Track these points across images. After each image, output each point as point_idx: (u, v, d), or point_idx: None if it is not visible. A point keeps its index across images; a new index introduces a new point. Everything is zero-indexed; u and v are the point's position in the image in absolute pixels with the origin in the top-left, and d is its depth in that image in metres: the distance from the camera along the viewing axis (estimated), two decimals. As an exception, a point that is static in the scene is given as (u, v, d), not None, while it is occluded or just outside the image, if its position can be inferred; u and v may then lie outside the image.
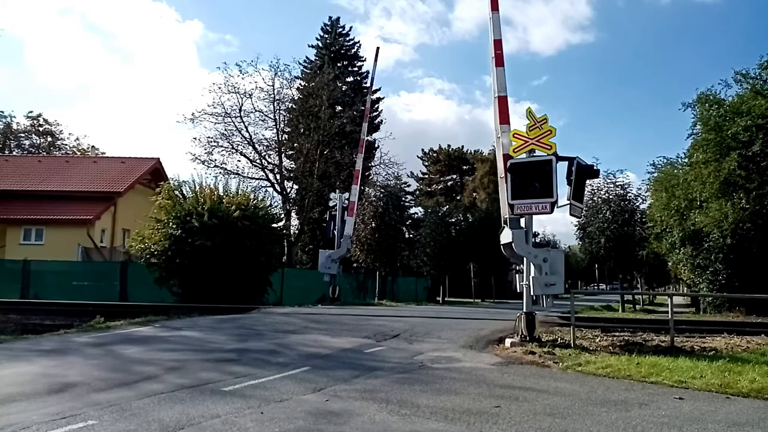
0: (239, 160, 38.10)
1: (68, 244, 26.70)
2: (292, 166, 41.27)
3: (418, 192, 63.80)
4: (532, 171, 10.26)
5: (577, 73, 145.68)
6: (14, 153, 47.41)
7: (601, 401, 6.18)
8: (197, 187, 20.47)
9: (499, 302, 34.64)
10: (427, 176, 69.40)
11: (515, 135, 10.73)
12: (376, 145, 44.99)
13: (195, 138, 38.92)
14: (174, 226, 18.72)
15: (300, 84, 42.45)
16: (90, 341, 10.14)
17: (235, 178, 34.88)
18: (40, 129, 53.33)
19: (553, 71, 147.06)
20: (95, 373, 7.24)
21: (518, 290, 11.06)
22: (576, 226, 34.53)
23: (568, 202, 10.28)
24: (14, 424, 4.85)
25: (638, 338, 11.60)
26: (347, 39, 51.66)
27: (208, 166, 36.76)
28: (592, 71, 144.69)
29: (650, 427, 5.13)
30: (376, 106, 48.75)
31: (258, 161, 38.56)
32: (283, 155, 40.28)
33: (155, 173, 33.23)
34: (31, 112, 54.88)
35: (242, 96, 37.00)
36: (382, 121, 48.96)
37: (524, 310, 10.54)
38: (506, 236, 10.85)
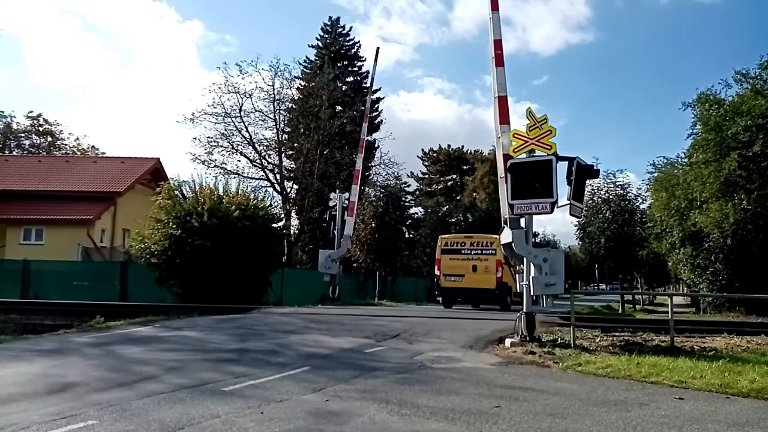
0: (239, 160, 38.09)
1: (68, 244, 26.70)
2: (292, 166, 41.24)
3: (418, 192, 63.72)
4: (532, 171, 10.24)
5: (577, 73, 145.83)
6: (14, 153, 47.39)
7: (601, 401, 6.18)
8: (197, 187, 20.44)
9: (499, 302, 34.52)
10: (427, 176, 69.36)
11: (515, 135, 10.72)
12: (376, 145, 44.96)
13: (195, 138, 38.90)
14: (174, 226, 18.71)
15: (300, 84, 42.43)
16: (90, 341, 10.14)
17: (235, 178, 34.78)
18: (40, 129, 53.34)
19: (553, 71, 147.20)
20: (95, 373, 7.24)
21: (518, 290, 11.06)
22: (576, 226, 34.58)
23: (568, 202, 10.27)
24: (14, 424, 4.85)
25: (638, 338, 11.59)
26: (347, 39, 51.64)
27: (208, 166, 36.76)
28: (592, 71, 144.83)
29: (650, 427, 5.13)
30: (376, 106, 48.68)
31: (258, 161, 38.56)
32: (283, 155, 40.25)
33: (155, 173, 33.21)
34: (31, 112, 54.84)
35: (242, 96, 36.98)
36: (382, 121, 48.95)
37: (524, 310, 10.55)
38: (506, 236, 10.85)
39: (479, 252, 20.96)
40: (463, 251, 21.24)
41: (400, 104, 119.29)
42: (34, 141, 53.40)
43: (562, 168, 10.18)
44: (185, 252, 18.40)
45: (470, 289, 20.02)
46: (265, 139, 38.70)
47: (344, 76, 48.16)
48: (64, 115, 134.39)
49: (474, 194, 61.30)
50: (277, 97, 38.10)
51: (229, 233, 18.54)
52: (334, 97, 40.21)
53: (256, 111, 37.72)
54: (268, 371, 7.35)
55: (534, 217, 10.58)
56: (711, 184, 20.31)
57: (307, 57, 50.03)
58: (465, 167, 67.64)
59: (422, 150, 70.69)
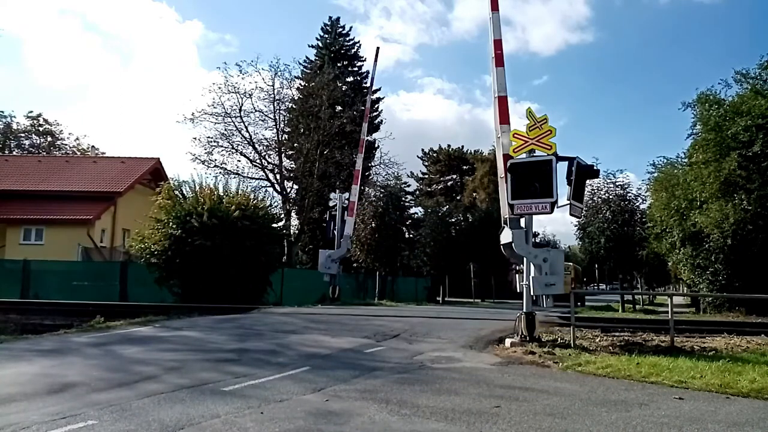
0: (239, 160, 38.18)
1: (68, 244, 26.69)
2: (292, 166, 41.28)
3: (418, 192, 63.77)
4: (532, 171, 10.25)
5: (576, 73, 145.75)
6: (14, 153, 47.39)
7: (601, 401, 6.18)
8: (197, 187, 20.45)
9: (499, 302, 34.63)
10: (427, 176, 69.41)
11: (515, 135, 10.73)
12: (376, 145, 44.99)
13: (195, 138, 38.98)
14: (174, 226, 18.71)
15: (300, 84, 42.46)
16: (90, 341, 10.14)
17: (235, 178, 34.88)
18: (40, 129, 53.34)
19: (553, 71, 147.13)
20: (95, 373, 7.24)
21: (518, 290, 11.07)
22: (576, 226, 34.55)
23: (568, 202, 10.28)
24: (14, 424, 4.85)
25: (638, 338, 11.60)
26: (347, 39, 51.68)
27: (208, 166, 36.82)
28: (592, 71, 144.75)
29: (650, 427, 5.13)
30: (376, 106, 48.71)
31: (258, 161, 38.61)
32: (283, 155, 40.28)
33: (155, 173, 33.23)
34: (31, 112, 54.87)
35: (242, 96, 37.07)
36: (382, 121, 48.99)
37: (524, 310, 10.55)
38: (506, 236, 10.85)
39: None
40: None
41: (400, 104, 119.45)
42: (34, 141, 53.40)
43: (562, 168, 10.20)
44: (185, 252, 18.40)
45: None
46: (265, 139, 38.83)
47: (344, 76, 48.17)
48: (64, 115, 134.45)
49: (474, 194, 61.35)
50: (277, 97, 38.22)
51: (229, 233, 18.54)
52: (334, 97, 40.22)
53: (256, 111, 37.85)
54: (268, 371, 7.36)
55: (534, 217, 10.58)
56: (711, 184, 20.30)
57: (307, 57, 50.17)
58: (465, 167, 67.70)
59: (422, 150, 70.88)
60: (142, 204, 23.71)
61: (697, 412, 5.73)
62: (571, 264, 34.22)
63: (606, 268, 36.91)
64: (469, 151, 69.11)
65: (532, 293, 10.35)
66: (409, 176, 62.22)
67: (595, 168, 10.91)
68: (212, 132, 37.54)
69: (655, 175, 25.44)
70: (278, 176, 39.20)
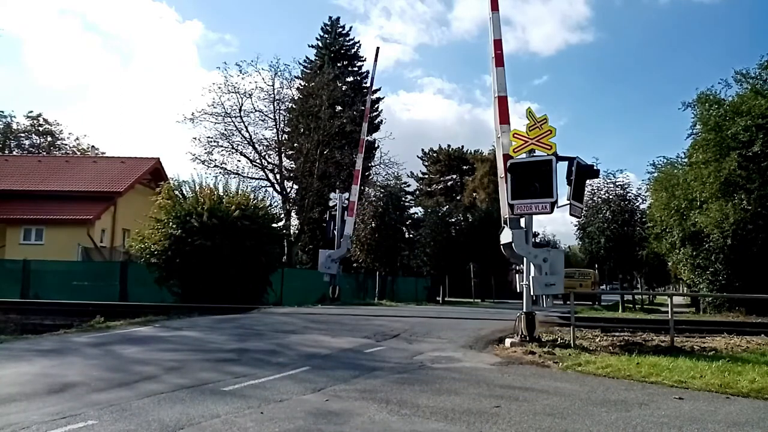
0: (239, 160, 38.17)
1: (68, 244, 26.70)
2: (292, 166, 41.28)
3: (418, 192, 63.78)
4: (532, 171, 10.25)
5: (576, 73, 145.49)
6: (14, 153, 47.39)
7: (601, 401, 6.18)
8: (197, 187, 20.45)
9: (499, 302, 34.63)
10: (427, 176, 69.40)
11: (515, 135, 10.73)
12: (376, 145, 44.97)
13: (195, 138, 38.93)
14: (174, 226, 18.71)
15: (300, 84, 42.45)
16: (90, 341, 10.14)
17: (235, 178, 34.90)
18: (40, 129, 53.35)
19: (553, 71, 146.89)
20: (95, 373, 7.24)
21: (518, 290, 11.07)
22: (576, 226, 34.51)
23: (568, 202, 10.28)
24: (14, 424, 4.85)
25: (638, 338, 11.61)
26: (347, 39, 51.67)
27: (208, 166, 36.82)
28: (592, 71, 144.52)
29: (650, 427, 5.13)
30: (376, 106, 48.69)
31: (258, 161, 38.61)
32: (283, 155, 40.29)
33: (155, 173, 33.22)
34: (31, 112, 54.87)
35: (242, 96, 37.06)
36: (382, 121, 48.97)
37: (524, 310, 10.55)
38: (506, 236, 10.85)
39: (582, 277, 34.72)
40: (574, 276, 33.29)
41: (400, 104, 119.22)
42: (34, 141, 53.41)
43: (562, 168, 10.21)
44: (185, 252, 18.39)
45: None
46: (265, 139, 38.83)
47: (344, 76, 48.15)
48: (64, 115, 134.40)
49: (474, 194, 61.34)
50: (277, 97, 38.22)
51: (228, 233, 18.54)
52: (334, 97, 40.22)
53: (256, 111, 37.85)
54: (268, 371, 7.36)
55: (534, 217, 10.59)
56: (711, 184, 20.29)
57: (307, 57, 50.16)
58: (465, 167, 67.69)
59: (422, 150, 70.84)
60: (142, 204, 23.70)
61: (697, 412, 5.73)
62: (591, 270, 35.17)
63: (606, 268, 36.89)
64: (469, 151, 69.13)
65: (532, 293, 10.36)
66: (409, 176, 62.26)
67: (595, 168, 10.92)
68: (212, 132, 37.57)
69: (655, 175, 25.44)
70: (278, 176, 39.22)
